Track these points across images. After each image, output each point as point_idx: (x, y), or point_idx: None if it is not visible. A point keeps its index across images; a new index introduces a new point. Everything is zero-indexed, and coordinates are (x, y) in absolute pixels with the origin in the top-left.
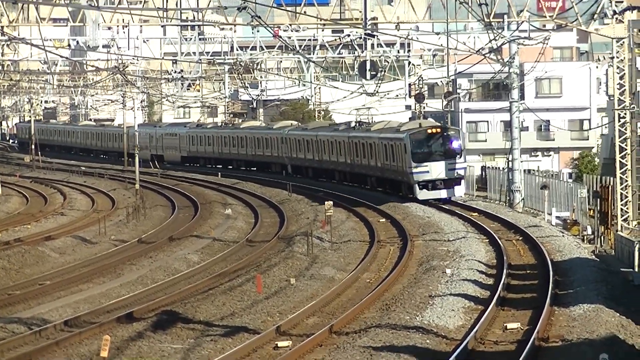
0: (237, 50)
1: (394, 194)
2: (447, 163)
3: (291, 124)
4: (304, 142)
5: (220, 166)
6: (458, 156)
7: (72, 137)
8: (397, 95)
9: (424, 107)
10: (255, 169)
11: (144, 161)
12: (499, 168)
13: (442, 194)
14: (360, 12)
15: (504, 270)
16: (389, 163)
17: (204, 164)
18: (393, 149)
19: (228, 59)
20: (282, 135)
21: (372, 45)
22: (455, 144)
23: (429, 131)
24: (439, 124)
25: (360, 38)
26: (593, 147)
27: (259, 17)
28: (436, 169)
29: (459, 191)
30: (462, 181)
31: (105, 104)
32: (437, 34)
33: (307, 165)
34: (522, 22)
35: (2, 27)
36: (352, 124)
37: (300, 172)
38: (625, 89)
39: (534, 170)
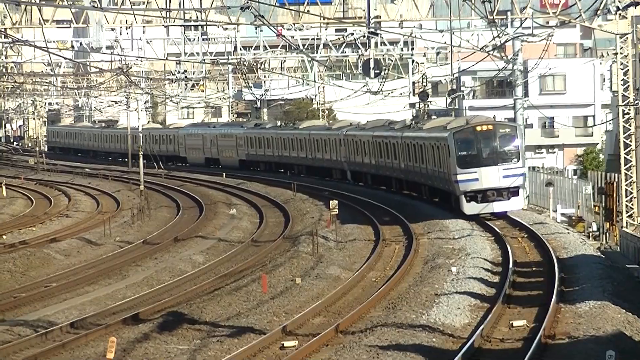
0: (240, 50)
1: (445, 206)
2: (501, 168)
3: (350, 124)
4: (361, 143)
5: (282, 171)
6: (515, 160)
7: (108, 141)
8: (401, 94)
9: (428, 105)
10: (317, 176)
11: (195, 165)
12: None
13: (496, 207)
14: (364, 10)
15: (510, 268)
16: (436, 169)
17: (264, 168)
18: (439, 151)
19: (231, 58)
20: (340, 137)
21: (376, 43)
22: (511, 145)
23: (479, 129)
24: (491, 120)
25: (364, 36)
26: (597, 144)
27: (262, 17)
28: (487, 176)
29: (517, 204)
30: (521, 191)
31: (109, 106)
32: (441, 31)
33: (366, 171)
34: (526, 18)
35: (6, 29)
36: (408, 122)
37: (360, 178)
38: (629, 85)
39: (538, 167)
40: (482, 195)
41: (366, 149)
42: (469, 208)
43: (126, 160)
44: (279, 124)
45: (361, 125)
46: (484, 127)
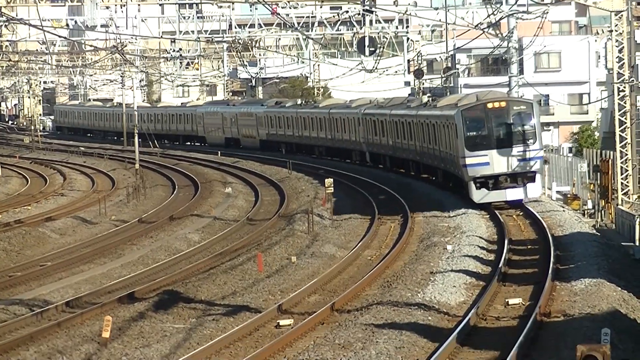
0: (235, 28)
1: (460, 193)
2: (515, 151)
3: (369, 101)
4: (379, 123)
5: (304, 153)
6: (531, 141)
7: (122, 120)
8: (396, 72)
9: (423, 83)
10: (338, 159)
11: (215, 145)
12: None
13: (509, 195)
14: None
15: (505, 246)
16: (446, 151)
17: (286, 150)
18: (448, 131)
19: (226, 37)
20: (359, 115)
21: (371, 21)
22: (527, 124)
23: (490, 106)
24: (505, 96)
25: (359, 14)
26: (593, 121)
27: None
28: (499, 160)
29: (533, 191)
30: (538, 176)
31: (104, 84)
32: (436, 9)
33: (384, 153)
34: None
35: (0, 7)
36: (426, 99)
37: (379, 161)
38: (624, 62)
39: None
40: (493, 182)
41: (384, 129)
42: (479, 195)
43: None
44: (299, 102)
45: (380, 103)
46: (496, 104)
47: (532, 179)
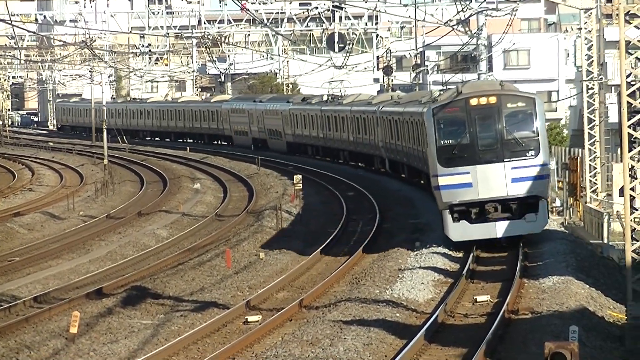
0: (204, 23)
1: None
2: (509, 167)
3: (391, 97)
4: (394, 122)
5: (329, 159)
6: (532, 152)
7: (136, 117)
8: (365, 68)
9: (392, 80)
10: (361, 165)
11: (242, 147)
12: None
13: (500, 229)
14: None
15: (474, 243)
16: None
17: (312, 154)
18: (420, 135)
19: (196, 32)
20: (377, 114)
21: (340, 17)
22: (527, 129)
23: (474, 102)
24: (495, 88)
25: (328, 10)
26: (561, 119)
27: None
28: (487, 180)
29: (536, 224)
30: (542, 203)
31: (73, 79)
32: (405, 6)
33: (399, 160)
34: None
35: None
36: (435, 93)
37: (398, 168)
38: (593, 60)
39: None
40: (478, 211)
41: (399, 131)
42: (457, 231)
43: (156, 138)
44: (324, 98)
45: (399, 97)
46: (483, 100)
47: (534, 207)
